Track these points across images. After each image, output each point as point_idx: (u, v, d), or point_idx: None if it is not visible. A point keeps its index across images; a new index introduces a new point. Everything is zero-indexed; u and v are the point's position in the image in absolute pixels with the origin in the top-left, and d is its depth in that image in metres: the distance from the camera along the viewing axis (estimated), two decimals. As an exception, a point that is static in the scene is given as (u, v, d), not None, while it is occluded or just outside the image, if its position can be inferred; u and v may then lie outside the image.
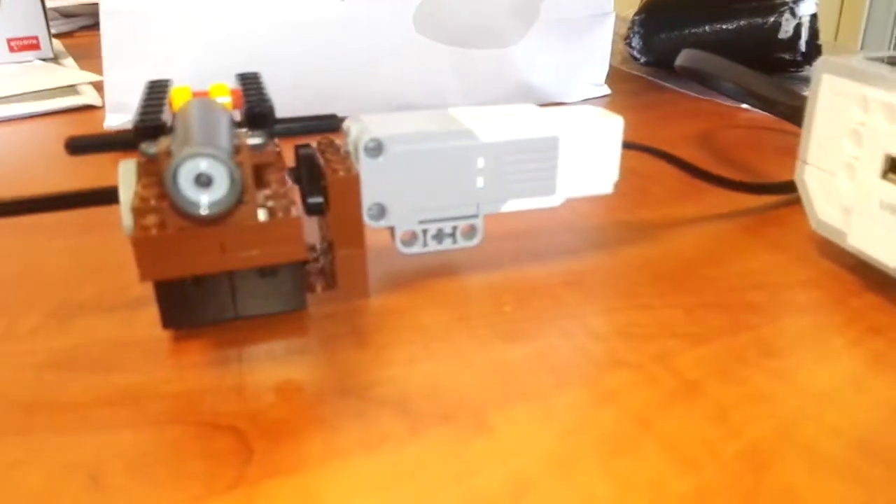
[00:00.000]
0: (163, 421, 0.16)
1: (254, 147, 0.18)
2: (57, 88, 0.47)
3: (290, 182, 0.19)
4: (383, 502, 0.14)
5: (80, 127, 0.40)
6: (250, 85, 0.21)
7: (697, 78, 0.35)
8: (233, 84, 0.21)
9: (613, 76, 0.46)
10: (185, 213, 0.16)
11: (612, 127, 0.22)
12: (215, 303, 0.19)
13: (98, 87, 0.47)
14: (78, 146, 0.19)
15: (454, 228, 0.21)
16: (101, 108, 0.43)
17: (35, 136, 0.38)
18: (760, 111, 0.35)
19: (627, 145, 0.23)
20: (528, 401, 0.17)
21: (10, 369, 0.18)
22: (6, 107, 0.42)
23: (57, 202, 0.19)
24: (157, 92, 0.20)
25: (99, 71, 0.50)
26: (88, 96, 0.45)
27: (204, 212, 0.16)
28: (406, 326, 0.20)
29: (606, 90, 0.45)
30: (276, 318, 0.20)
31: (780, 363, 0.18)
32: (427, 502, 0.14)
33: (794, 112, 0.31)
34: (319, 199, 0.20)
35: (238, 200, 0.16)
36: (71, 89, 0.47)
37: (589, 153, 0.21)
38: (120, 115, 0.35)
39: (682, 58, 0.34)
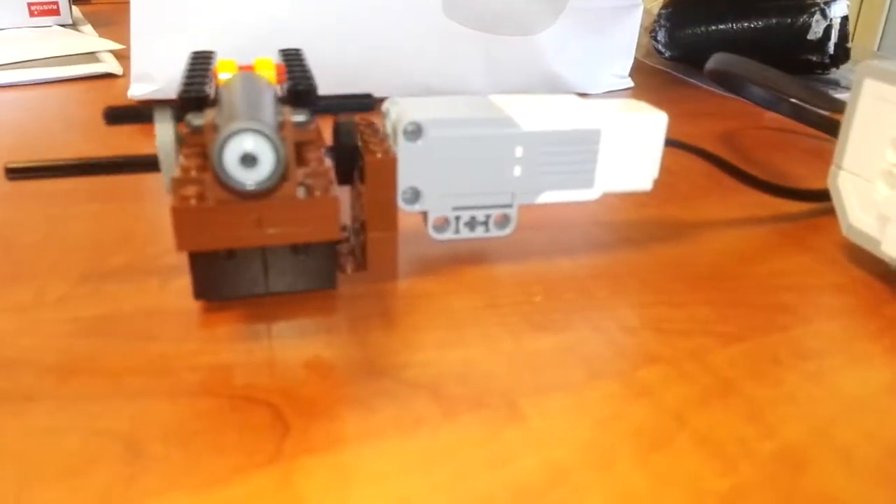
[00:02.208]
0: (198, 392, 0.16)
1: (297, 124, 0.18)
2: (77, 55, 0.46)
3: (328, 161, 0.19)
4: (419, 484, 0.14)
5: (100, 95, 0.40)
6: (293, 61, 0.21)
7: (728, 84, 0.34)
8: (274, 59, 0.21)
9: (637, 69, 0.46)
10: (229, 188, 0.16)
11: (655, 123, 0.21)
12: (247, 277, 0.19)
13: (118, 55, 0.47)
14: (116, 116, 0.19)
15: (487, 217, 0.21)
16: (122, 76, 0.43)
17: (56, 102, 0.38)
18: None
19: (670, 143, 0.22)
20: (560, 391, 0.17)
21: (41, 336, 0.18)
22: (27, 71, 0.42)
23: (97, 167, 0.19)
24: (201, 63, 0.20)
25: (117, 39, 0.50)
26: (109, 64, 0.44)
27: (250, 187, 0.16)
28: (435, 311, 0.20)
29: (630, 83, 0.45)
30: (305, 295, 0.20)
31: (814, 365, 0.18)
32: (463, 487, 0.14)
33: (831, 124, 0.30)
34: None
35: (283, 176, 0.16)
36: (91, 56, 0.46)
37: (630, 148, 0.21)
38: (145, 85, 0.35)
39: (714, 61, 0.34)
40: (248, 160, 0.15)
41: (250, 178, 0.16)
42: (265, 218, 0.17)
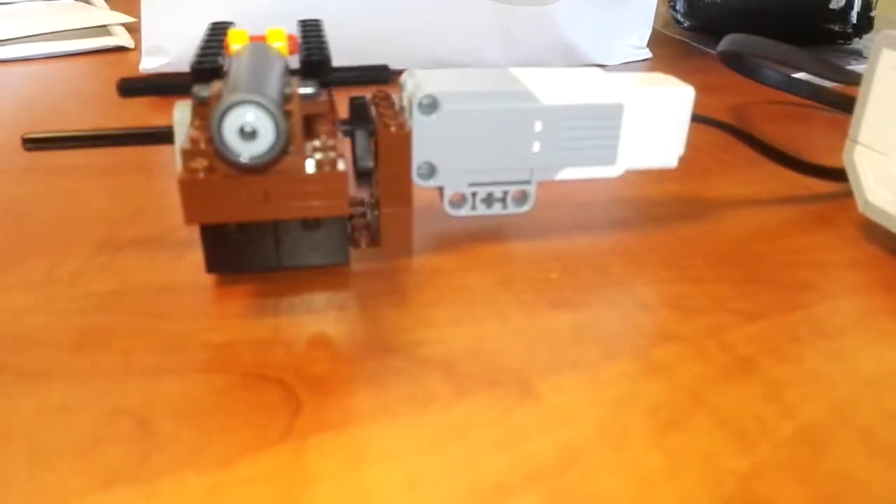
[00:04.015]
0: (209, 369, 0.16)
1: (305, 96, 0.17)
2: (89, 28, 0.46)
3: (340, 134, 0.19)
4: (432, 463, 0.14)
5: (112, 68, 0.39)
6: (310, 32, 0.20)
7: (742, 67, 0.33)
8: (294, 30, 0.21)
9: (655, 39, 0.45)
10: (226, 160, 0.15)
11: (681, 97, 0.21)
12: (259, 251, 0.19)
13: (130, 28, 0.47)
14: (131, 88, 0.18)
15: (505, 193, 0.21)
16: (134, 50, 0.43)
17: (67, 76, 0.38)
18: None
19: (697, 118, 0.22)
20: (575, 370, 0.17)
21: (53, 313, 0.18)
22: (38, 45, 0.42)
23: (113, 139, 0.19)
24: (217, 34, 0.20)
25: (129, 12, 0.49)
26: (121, 38, 0.44)
27: (245, 160, 0.15)
28: (450, 287, 0.19)
29: (648, 53, 0.44)
30: (318, 270, 0.20)
31: (833, 344, 0.18)
32: (476, 466, 0.14)
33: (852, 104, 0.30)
34: (369, 165, 0.19)
35: (282, 151, 0.16)
36: (103, 30, 0.46)
37: (655, 124, 0.21)
38: (156, 59, 0.34)
39: (724, 43, 0.32)
40: (247, 133, 0.15)
41: (246, 153, 0.15)
42: (273, 192, 0.17)
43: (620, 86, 0.20)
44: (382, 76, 0.20)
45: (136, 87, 0.18)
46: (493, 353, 0.17)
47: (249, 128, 0.15)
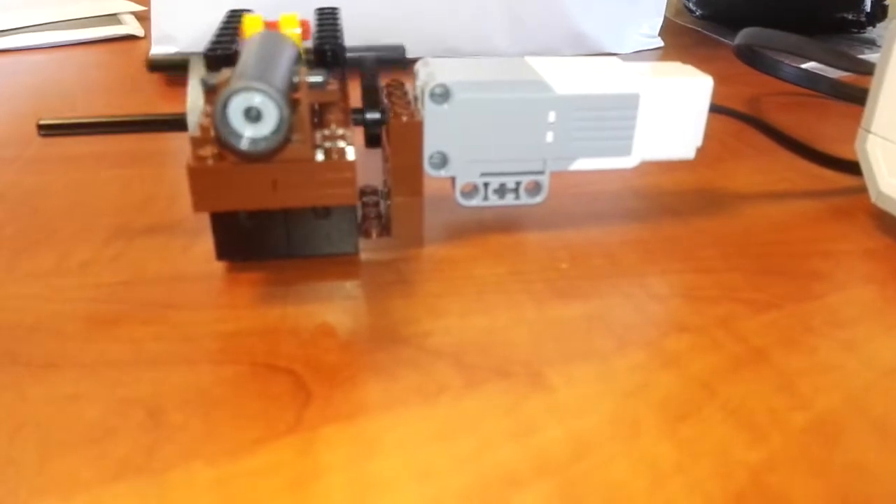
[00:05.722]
0: (219, 360, 0.16)
1: (314, 85, 0.17)
2: (98, 17, 0.46)
3: (350, 123, 0.18)
4: (443, 454, 0.14)
5: (122, 57, 0.39)
6: (326, 20, 0.20)
7: (760, 64, 0.33)
8: (310, 16, 0.20)
9: (666, 28, 0.45)
10: (228, 148, 0.15)
11: (699, 87, 0.20)
12: (270, 239, 0.19)
13: (140, 17, 0.47)
14: (157, 65, 0.18)
15: (517, 184, 0.20)
16: (143, 38, 0.43)
17: (77, 65, 0.38)
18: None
19: (716, 108, 0.21)
20: (586, 360, 0.16)
21: (63, 303, 0.18)
22: (47, 34, 0.42)
23: (127, 125, 0.19)
24: (233, 21, 0.20)
25: (140, 0, 0.49)
26: (131, 26, 0.44)
27: (245, 147, 0.15)
28: (460, 278, 0.19)
29: (659, 42, 0.43)
30: (327, 260, 0.20)
31: (848, 334, 0.17)
32: (487, 457, 0.14)
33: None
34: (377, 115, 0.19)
35: (285, 139, 0.16)
36: (112, 18, 0.46)
37: (672, 115, 0.20)
38: (165, 47, 0.34)
39: (738, 38, 0.32)
40: (252, 118, 0.15)
41: (246, 140, 0.15)
42: (281, 180, 0.16)
43: (637, 75, 0.20)
44: (397, 55, 0.20)
45: (162, 63, 0.18)
46: (503, 343, 0.17)
47: (253, 113, 0.15)
